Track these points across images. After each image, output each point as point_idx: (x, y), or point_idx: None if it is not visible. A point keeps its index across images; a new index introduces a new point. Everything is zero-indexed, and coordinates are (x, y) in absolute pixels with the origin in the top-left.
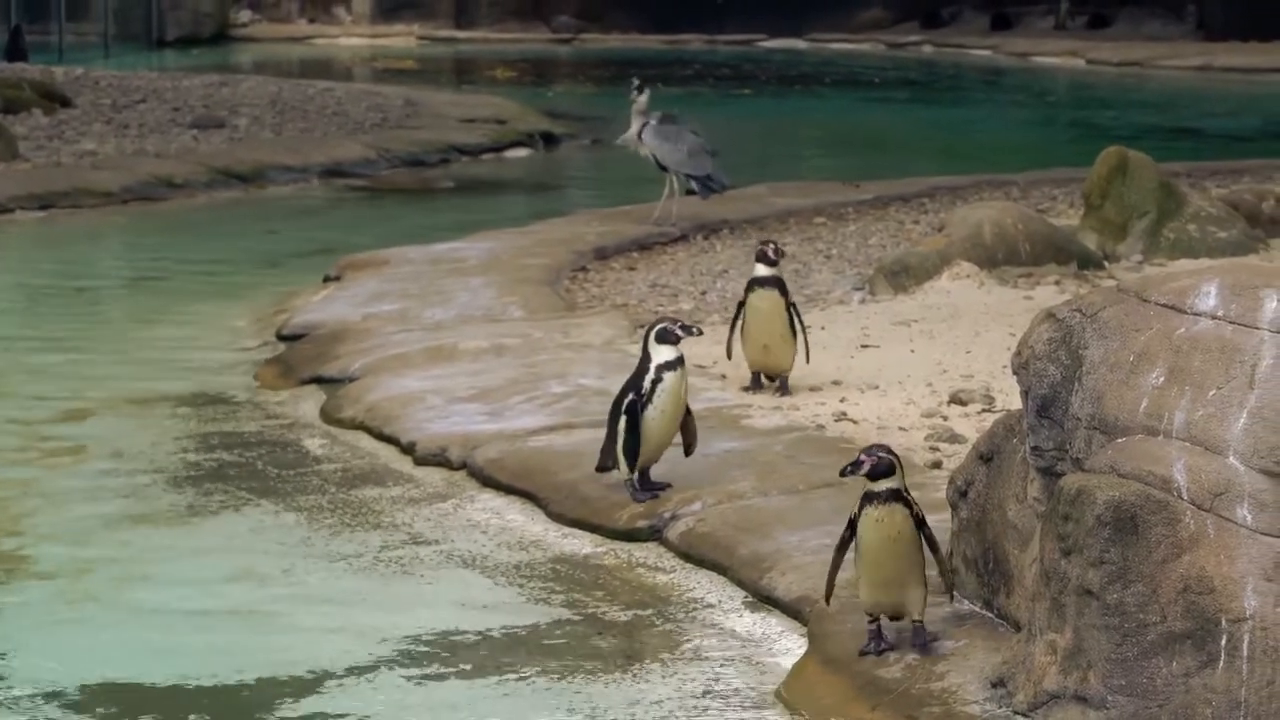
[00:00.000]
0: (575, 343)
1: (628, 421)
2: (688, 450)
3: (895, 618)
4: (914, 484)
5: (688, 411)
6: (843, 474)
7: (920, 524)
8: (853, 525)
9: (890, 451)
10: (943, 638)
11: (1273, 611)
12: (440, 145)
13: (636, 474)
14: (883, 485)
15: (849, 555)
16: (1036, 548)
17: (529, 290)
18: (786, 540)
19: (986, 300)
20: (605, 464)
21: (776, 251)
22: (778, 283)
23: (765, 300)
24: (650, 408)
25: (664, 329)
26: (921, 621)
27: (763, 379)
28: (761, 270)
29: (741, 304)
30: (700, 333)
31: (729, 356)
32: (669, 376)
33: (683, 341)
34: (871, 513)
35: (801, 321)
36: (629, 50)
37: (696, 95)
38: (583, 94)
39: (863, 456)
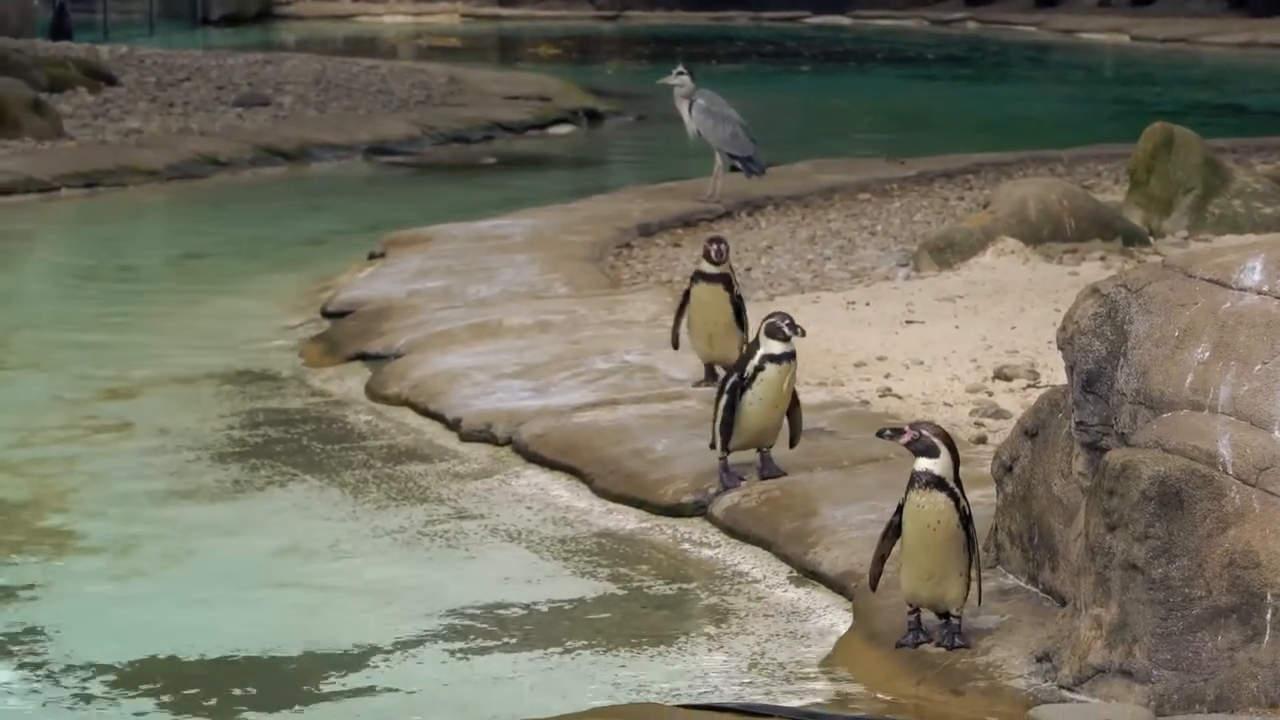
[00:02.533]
0: (620, 319)
1: (726, 400)
2: (792, 442)
3: (935, 611)
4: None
5: (796, 404)
6: (880, 434)
7: (965, 520)
8: (901, 511)
9: (940, 434)
10: (987, 613)
11: None
12: (484, 122)
13: (727, 455)
14: (924, 465)
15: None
16: (1081, 522)
17: (573, 267)
18: (831, 516)
19: (1031, 276)
20: (712, 441)
21: (719, 252)
22: (724, 279)
23: (709, 293)
24: (749, 393)
25: (773, 324)
26: (959, 619)
27: (717, 370)
28: (707, 267)
29: (686, 293)
30: (803, 334)
31: (674, 346)
32: (771, 369)
33: (791, 340)
34: (913, 498)
35: (745, 317)
36: (673, 27)
37: (739, 73)
38: (630, 71)
39: (906, 427)
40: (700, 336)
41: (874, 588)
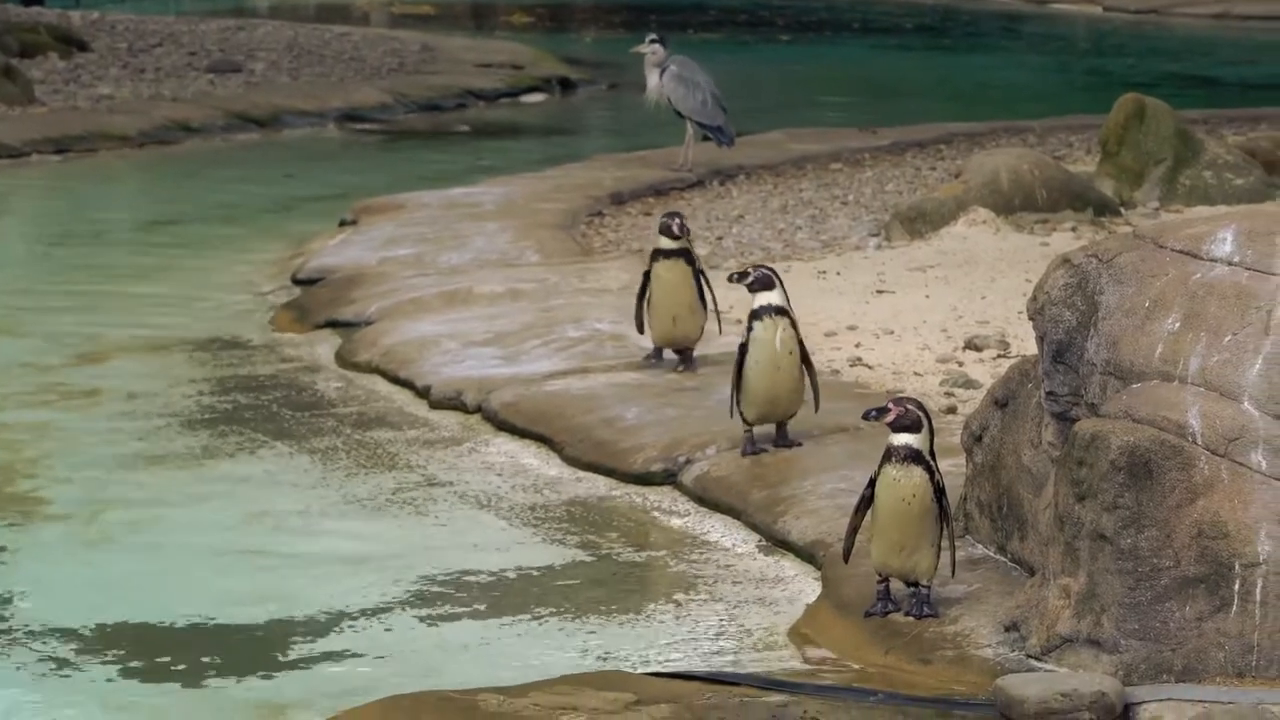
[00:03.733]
0: (591, 287)
1: (735, 364)
2: (815, 406)
3: (905, 581)
4: None
5: (808, 365)
6: (866, 417)
7: (940, 493)
8: (874, 484)
9: (921, 408)
10: (956, 581)
11: None
12: (456, 90)
13: (750, 426)
14: (903, 440)
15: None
16: (1050, 493)
17: (545, 235)
18: (800, 485)
19: (1002, 246)
20: (731, 410)
21: (681, 228)
22: (685, 254)
23: (671, 270)
24: (748, 357)
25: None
26: (928, 588)
27: (664, 355)
28: (666, 243)
29: (647, 274)
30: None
31: (639, 330)
32: (757, 326)
33: (774, 290)
34: (889, 471)
35: (711, 291)
36: None
37: (715, 42)
38: (605, 39)
39: (890, 405)
40: (663, 317)
41: (846, 559)
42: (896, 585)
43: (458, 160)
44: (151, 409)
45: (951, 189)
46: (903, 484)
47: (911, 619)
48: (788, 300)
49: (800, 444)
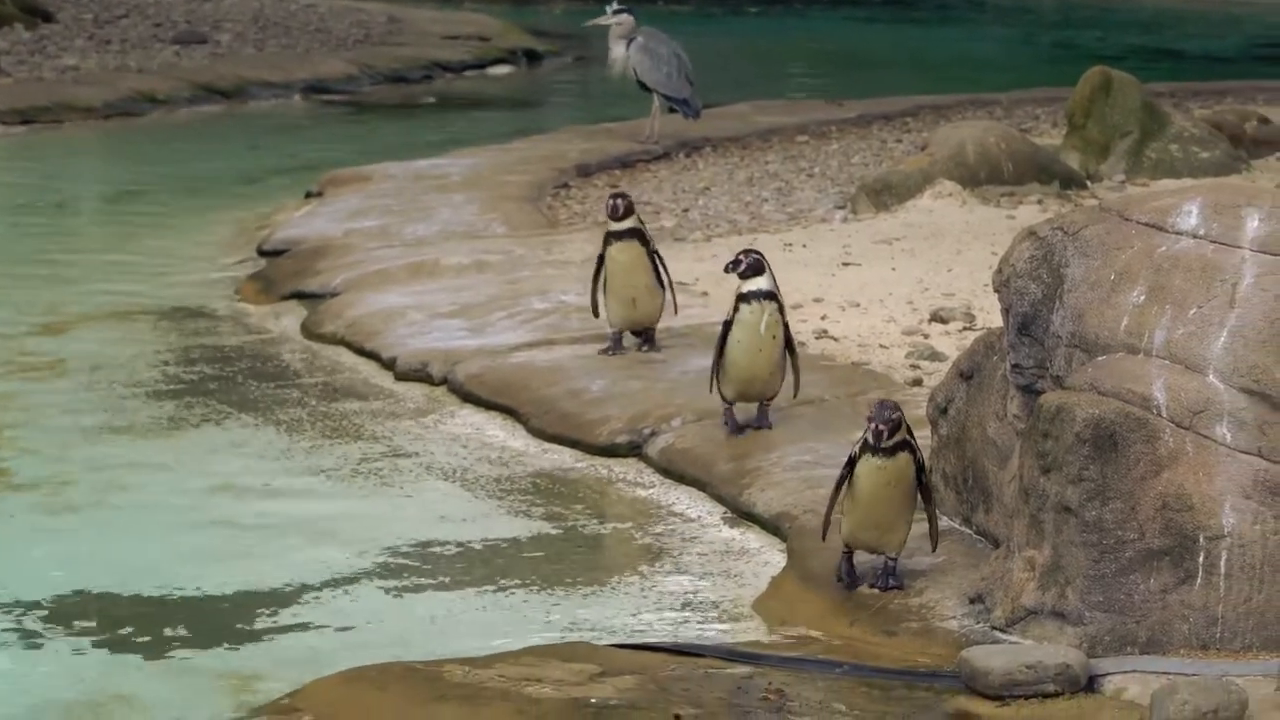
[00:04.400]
0: (557, 259)
1: (719, 338)
2: (794, 390)
3: (873, 552)
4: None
5: (791, 350)
6: (866, 450)
7: (920, 470)
8: (852, 464)
9: (897, 408)
10: (921, 553)
11: (1250, 529)
12: (423, 62)
13: (729, 403)
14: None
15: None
16: (1016, 465)
17: (511, 207)
18: (766, 457)
19: (968, 219)
20: (710, 385)
21: (626, 208)
22: (636, 234)
23: (625, 252)
24: (730, 335)
25: (734, 261)
26: (895, 560)
27: (624, 340)
28: (614, 225)
29: (601, 258)
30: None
31: (595, 314)
32: (744, 308)
33: (764, 275)
34: (874, 460)
35: (667, 271)
36: None
37: (684, 15)
38: (574, 11)
39: (881, 427)
40: (623, 300)
41: (824, 537)
42: (861, 556)
43: (424, 132)
44: (116, 379)
45: (918, 162)
46: (888, 470)
47: (878, 590)
48: (776, 285)
49: (771, 426)
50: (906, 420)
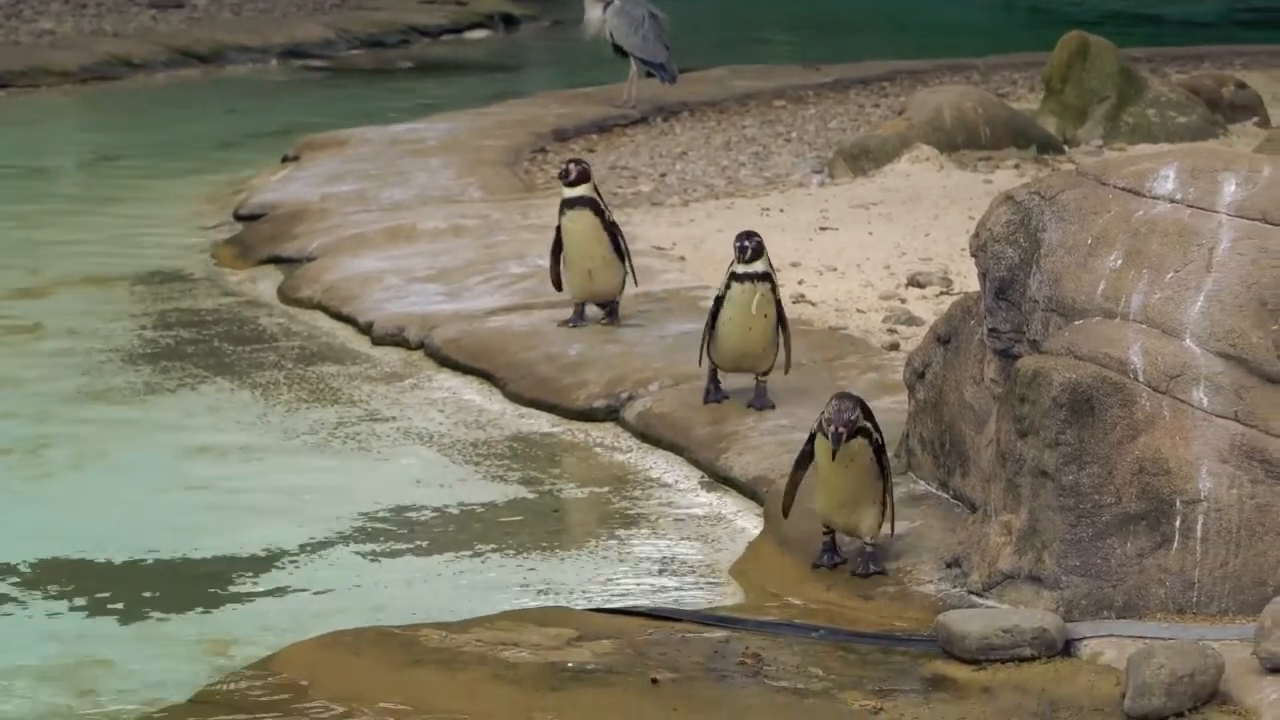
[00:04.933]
0: (534, 224)
1: (710, 311)
2: (785, 367)
3: (849, 535)
4: (870, 365)
5: (784, 327)
6: (822, 433)
7: (879, 451)
8: (813, 439)
9: (855, 408)
10: (898, 518)
11: (1227, 493)
12: (400, 26)
13: (715, 368)
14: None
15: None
16: (993, 429)
17: (488, 171)
18: (743, 421)
19: (946, 183)
20: (700, 355)
21: (580, 174)
22: (590, 203)
23: (578, 221)
24: (721, 312)
25: (741, 246)
26: (874, 547)
27: (586, 311)
28: (568, 191)
29: (559, 228)
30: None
31: (556, 287)
32: (735, 288)
33: (762, 258)
34: (825, 444)
35: (624, 241)
36: None
37: None
38: None
39: (840, 430)
40: (579, 271)
41: (786, 514)
42: (843, 537)
43: (400, 96)
44: (93, 344)
45: (895, 126)
46: (842, 454)
47: (859, 577)
48: (772, 267)
49: (774, 406)
50: (865, 405)
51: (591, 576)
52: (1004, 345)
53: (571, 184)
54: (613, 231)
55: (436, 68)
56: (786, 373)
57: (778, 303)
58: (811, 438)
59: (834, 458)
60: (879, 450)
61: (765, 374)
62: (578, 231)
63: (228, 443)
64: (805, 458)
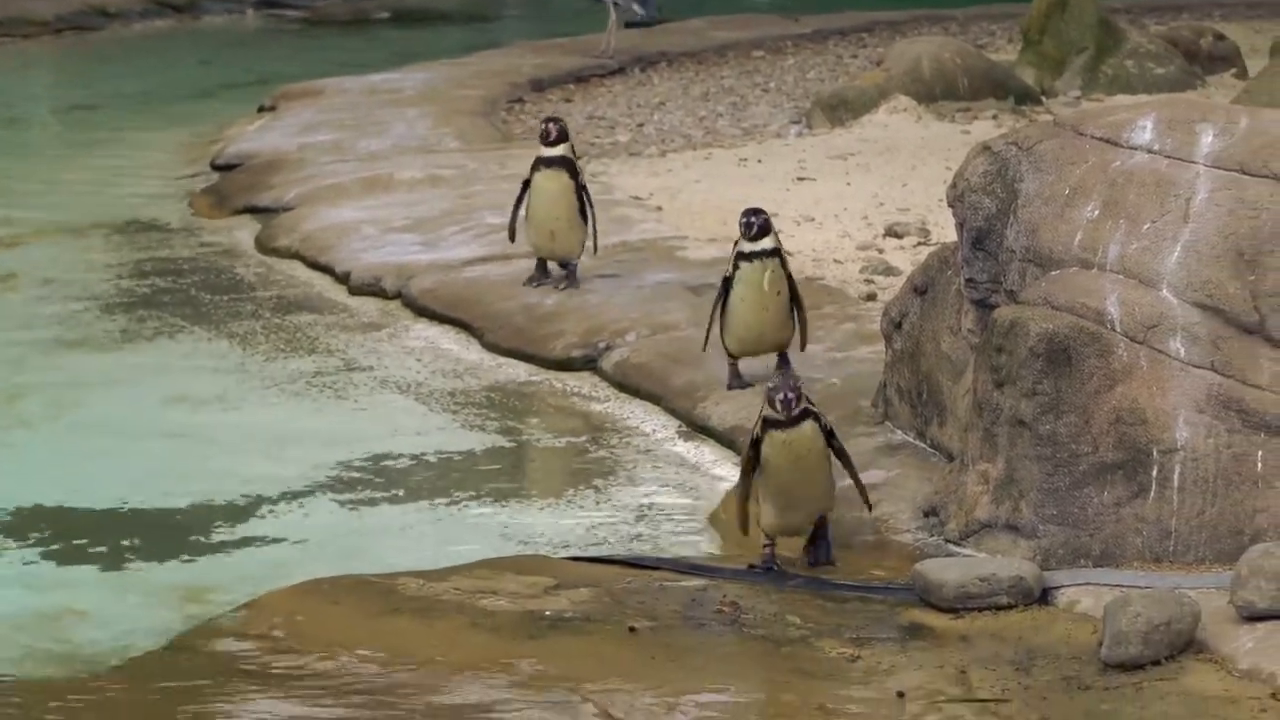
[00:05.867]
0: (511, 174)
1: (718, 292)
2: (801, 344)
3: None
4: (848, 315)
5: (798, 304)
6: (770, 427)
7: (830, 436)
8: (757, 446)
9: (796, 378)
10: (875, 467)
11: (1203, 443)
12: None
13: (735, 359)
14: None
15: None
16: (970, 379)
17: (465, 121)
18: (721, 370)
19: (923, 134)
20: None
21: (559, 133)
22: (566, 164)
23: (552, 180)
24: (732, 292)
25: (746, 223)
26: (826, 535)
27: (549, 270)
28: (546, 150)
29: (526, 183)
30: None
31: (511, 239)
32: (745, 267)
33: (770, 235)
34: (779, 435)
35: (592, 206)
36: None
37: None
38: None
39: (789, 394)
40: (541, 230)
41: (746, 530)
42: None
43: (377, 47)
44: (69, 293)
45: (873, 77)
46: (794, 443)
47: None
48: (780, 243)
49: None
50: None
51: (569, 525)
52: (981, 295)
53: (550, 144)
54: (582, 195)
55: (413, 18)
56: (803, 350)
57: (790, 278)
58: (754, 443)
59: (778, 428)
60: (830, 435)
61: (785, 347)
62: (550, 190)
63: (205, 391)
64: (751, 465)
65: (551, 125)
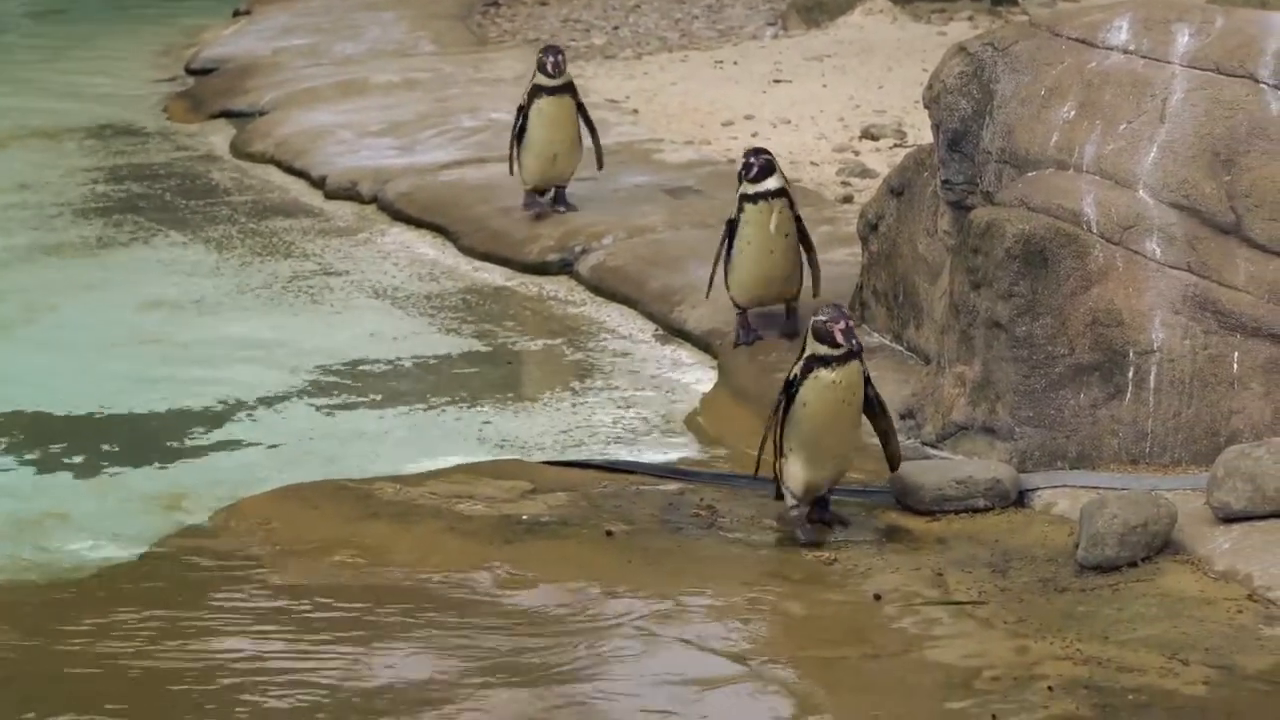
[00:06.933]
0: (486, 77)
1: (723, 235)
2: (814, 290)
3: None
4: (824, 218)
5: (807, 247)
6: (817, 366)
7: (868, 382)
8: (790, 390)
9: (842, 311)
10: None
11: (1180, 344)
12: None
13: (744, 310)
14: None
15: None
16: (946, 281)
17: (440, 25)
18: (697, 274)
19: (900, 35)
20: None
21: (555, 65)
22: (571, 90)
23: (556, 105)
24: (738, 237)
25: (745, 164)
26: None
27: (541, 198)
28: (548, 81)
29: (522, 110)
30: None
31: (510, 171)
32: (750, 209)
33: (774, 175)
34: (826, 375)
35: (594, 128)
36: None
37: None
38: None
39: (849, 324)
40: (543, 155)
41: (780, 495)
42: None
43: None
44: (44, 198)
45: None
46: (840, 385)
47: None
48: (787, 181)
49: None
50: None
51: (545, 429)
52: (957, 197)
53: (550, 75)
54: (586, 116)
55: None
56: (816, 296)
57: (798, 219)
58: (790, 384)
59: (827, 367)
60: (867, 380)
61: (794, 300)
62: (552, 115)
63: (181, 297)
64: (782, 409)
65: (555, 58)
